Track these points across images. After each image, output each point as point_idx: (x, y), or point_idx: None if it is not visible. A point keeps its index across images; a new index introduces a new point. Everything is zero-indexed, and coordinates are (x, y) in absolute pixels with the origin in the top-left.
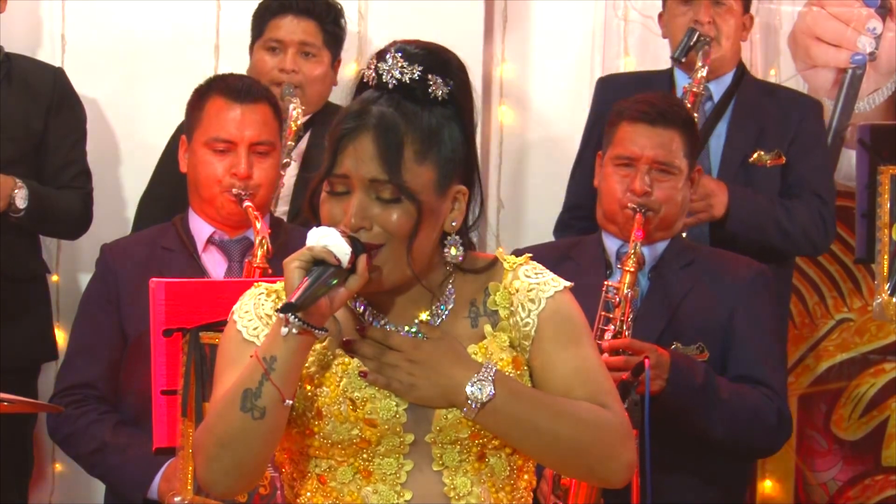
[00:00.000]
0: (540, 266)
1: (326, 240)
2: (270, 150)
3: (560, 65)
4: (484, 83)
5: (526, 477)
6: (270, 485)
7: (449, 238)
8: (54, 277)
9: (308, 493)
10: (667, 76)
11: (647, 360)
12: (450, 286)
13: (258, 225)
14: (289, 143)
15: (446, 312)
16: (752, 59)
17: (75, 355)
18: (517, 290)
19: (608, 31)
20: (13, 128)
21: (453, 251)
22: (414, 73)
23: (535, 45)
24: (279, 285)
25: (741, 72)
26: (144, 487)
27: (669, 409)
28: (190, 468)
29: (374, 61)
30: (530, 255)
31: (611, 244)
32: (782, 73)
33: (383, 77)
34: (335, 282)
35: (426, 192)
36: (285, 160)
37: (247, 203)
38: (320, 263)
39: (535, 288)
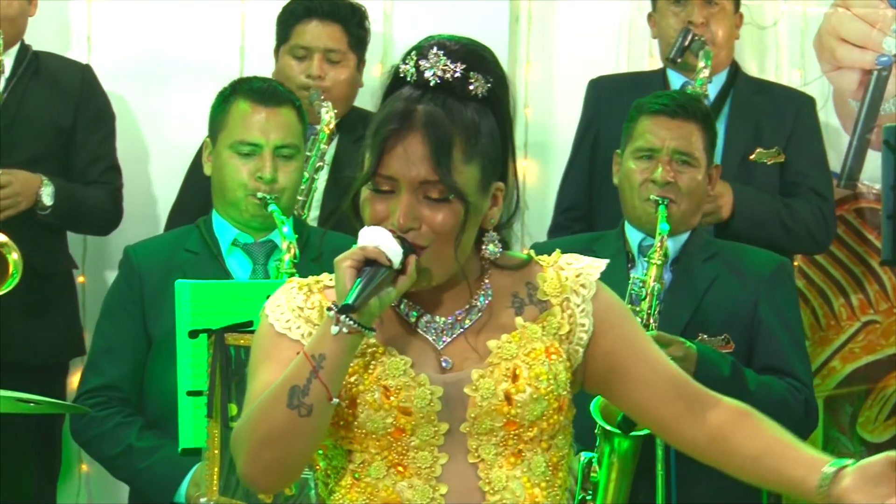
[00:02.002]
0: (571, 255)
1: (379, 240)
2: (295, 153)
3: (585, 65)
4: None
5: (561, 475)
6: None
7: (487, 234)
8: (80, 277)
9: (342, 490)
10: (660, 76)
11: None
12: (486, 281)
13: (285, 231)
14: (322, 146)
15: (484, 304)
16: (777, 61)
17: (99, 357)
18: (566, 279)
19: (633, 32)
20: (41, 124)
21: (492, 247)
22: (456, 72)
23: (560, 46)
24: (311, 279)
25: (734, 70)
26: (171, 491)
27: None
28: (216, 469)
29: (414, 58)
30: (560, 249)
31: (633, 237)
32: (808, 74)
33: (425, 74)
34: (386, 281)
35: (472, 192)
36: (318, 164)
37: (272, 208)
38: (371, 263)
39: (581, 272)
